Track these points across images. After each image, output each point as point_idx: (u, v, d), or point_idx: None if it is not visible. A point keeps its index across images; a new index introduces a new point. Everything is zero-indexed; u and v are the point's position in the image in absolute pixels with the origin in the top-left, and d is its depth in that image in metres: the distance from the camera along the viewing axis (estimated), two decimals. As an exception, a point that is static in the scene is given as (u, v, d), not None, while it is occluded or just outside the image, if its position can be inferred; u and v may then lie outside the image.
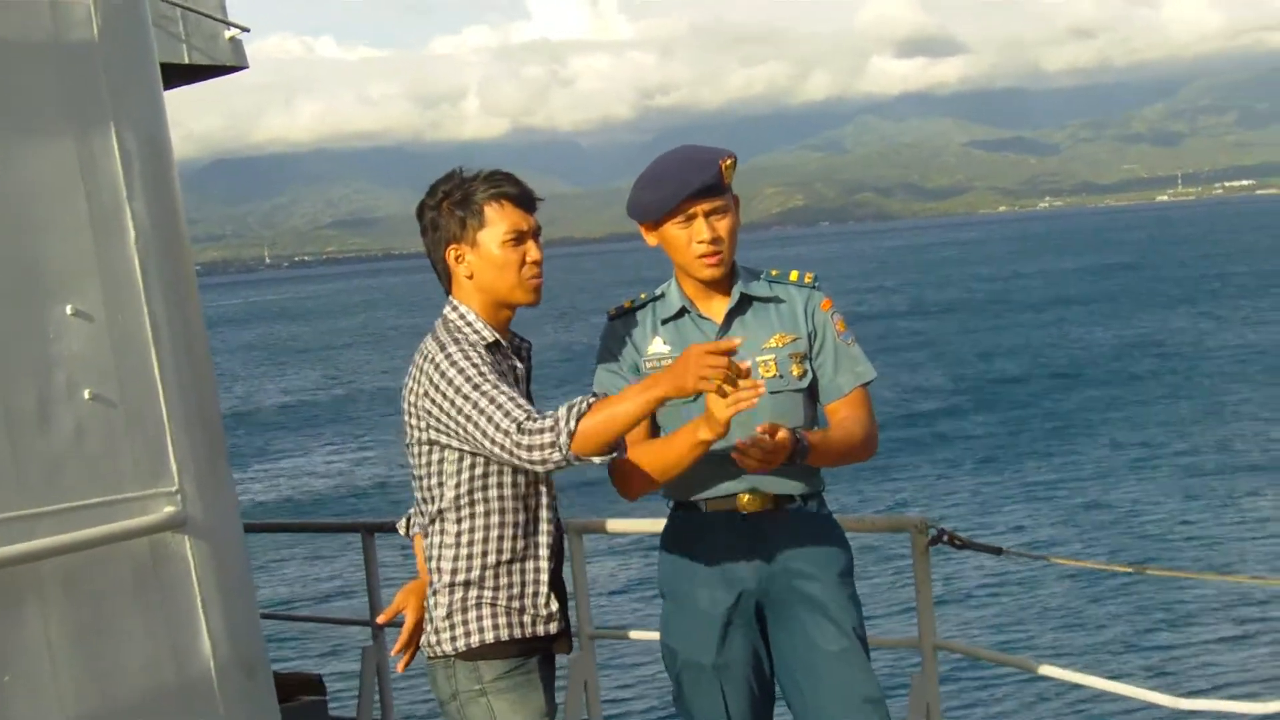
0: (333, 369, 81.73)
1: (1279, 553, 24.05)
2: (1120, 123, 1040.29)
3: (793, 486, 4.94)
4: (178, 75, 6.33)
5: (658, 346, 4.97)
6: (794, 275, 5.03)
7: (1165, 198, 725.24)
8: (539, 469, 4.29)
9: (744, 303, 4.95)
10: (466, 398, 4.35)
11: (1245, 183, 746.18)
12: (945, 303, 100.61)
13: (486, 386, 4.35)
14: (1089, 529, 27.03)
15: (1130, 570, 18.41)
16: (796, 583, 4.92)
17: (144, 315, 4.43)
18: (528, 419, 4.25)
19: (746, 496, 4.90)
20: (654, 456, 4.55)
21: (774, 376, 4.89)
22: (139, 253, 4.42)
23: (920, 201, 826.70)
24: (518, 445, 4.25)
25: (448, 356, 4.44)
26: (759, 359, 4.90)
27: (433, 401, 4.46)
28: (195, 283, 4.79)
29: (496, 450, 4.32)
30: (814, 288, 5.01)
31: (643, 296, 5.11)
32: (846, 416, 4.97)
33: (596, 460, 4.28)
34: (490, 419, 4.30)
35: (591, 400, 4.24)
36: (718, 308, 4.95)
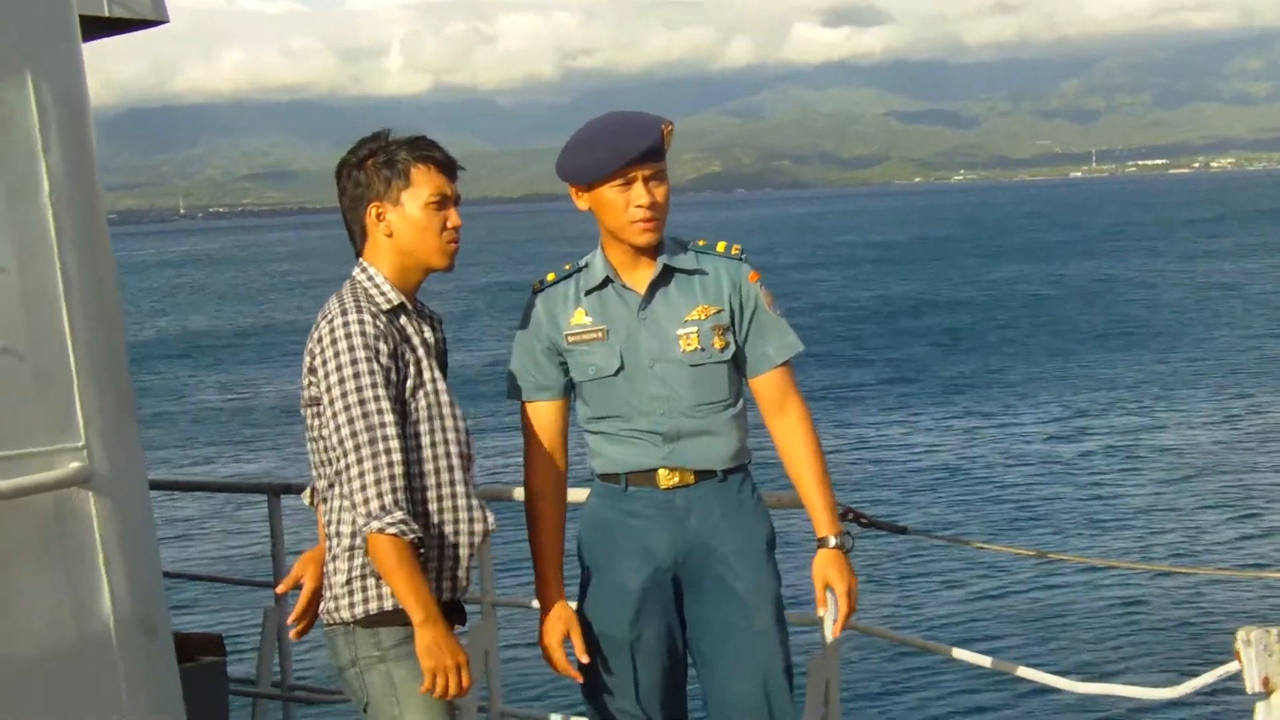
0: (245, 318, 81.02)
1: (1173, 535, 24.18)
2: (1038, 98, 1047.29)
3: (713, 461, 4.93)
4: (97, 27, 6.24)
5: (580, 319, 4.96)
6: (721, 246, 5.03)
7: (1079, 174, 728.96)
8: (361, 521, 4.36)
9: (667, 274, 4.94)
10: (350, 414, 4.38)
11: (1159, 162, 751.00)
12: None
13: (370, 405, 4.38)
14: (992, 505, 27.07)
15: (1032, 555, 18.54)
16: (713, 560, 4.93)
17: (56, 269, 4.38)
18: (396, 503, 4.35)
19: (665, 471, 4.91)
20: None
21: (695, 349, 4.89)
22: (53, 206, 4.37)
23: (836, 170, 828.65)
24: (377, 513, 4.33)
25: (345, 324, 4.43)
26: (679, 331, 4.90)
27: (315, 368, 4.48)
28: (108, 237, 4.74)
29: (350, 495, 4.38)
30: (741, 259, 5.00)
31: (567, 268, 5.09)
32: (782, 432, 5.01)
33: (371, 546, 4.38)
34: (367, 472, 4.37)
35: (414, 537, 4.34)
36: (641, 278, 4.94)
